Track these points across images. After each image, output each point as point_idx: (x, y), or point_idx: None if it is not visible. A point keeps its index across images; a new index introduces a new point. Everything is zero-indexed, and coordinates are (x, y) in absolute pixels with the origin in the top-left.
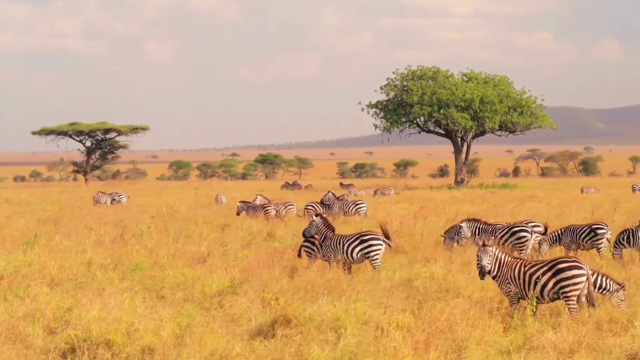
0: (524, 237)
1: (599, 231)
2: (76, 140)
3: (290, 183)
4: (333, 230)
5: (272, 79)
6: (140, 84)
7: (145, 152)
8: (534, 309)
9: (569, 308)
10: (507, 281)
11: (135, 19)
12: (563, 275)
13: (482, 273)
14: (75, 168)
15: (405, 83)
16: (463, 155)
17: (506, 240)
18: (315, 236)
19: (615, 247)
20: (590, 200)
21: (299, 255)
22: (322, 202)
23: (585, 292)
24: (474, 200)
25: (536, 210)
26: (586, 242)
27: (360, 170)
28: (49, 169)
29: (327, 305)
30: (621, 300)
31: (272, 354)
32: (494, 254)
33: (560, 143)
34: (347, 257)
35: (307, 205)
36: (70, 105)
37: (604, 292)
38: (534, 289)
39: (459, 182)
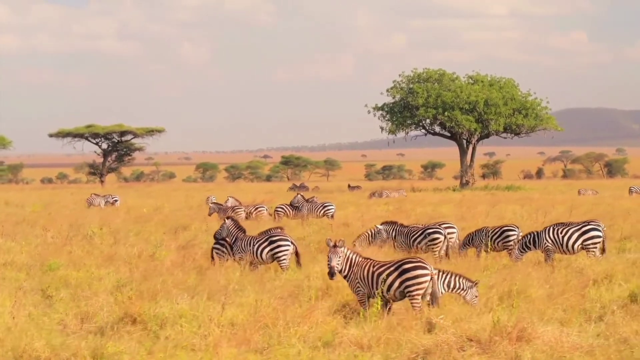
0: (437, 238)
1: (510, 233)
2: (92, 143)
3: (298, 185)
4: (244, 232)
5: (307, 79)
6: (174, 84)
7: (178, 153)
8: (379, 307)
9: (413, 306)
10: (357, 280)
11: (170, 20)
12: (408, 275)
13: (332, 273)
14: (92, 170)
15: (411, 85)
16: (468, 158)
17: (420, 242)
18: (226, 238)
19: (521, 249)
20: (570, 202)
21: (212, 257)
22: (291, 204)
23: (430, 291)
24: (460, 202)
25: (505, 211)
26: (497, 244)
27: (387, 172)
28: (75, 171)
29: (182, 304)
30: (475, 296)
31: (70, 350)
32: (345, 254)
33: (593, 144)
34: (257, 258)
35: (277, 207)
36: (104, 106)
37: (459, 290)
38: (381, 288)
39: (464, 184)
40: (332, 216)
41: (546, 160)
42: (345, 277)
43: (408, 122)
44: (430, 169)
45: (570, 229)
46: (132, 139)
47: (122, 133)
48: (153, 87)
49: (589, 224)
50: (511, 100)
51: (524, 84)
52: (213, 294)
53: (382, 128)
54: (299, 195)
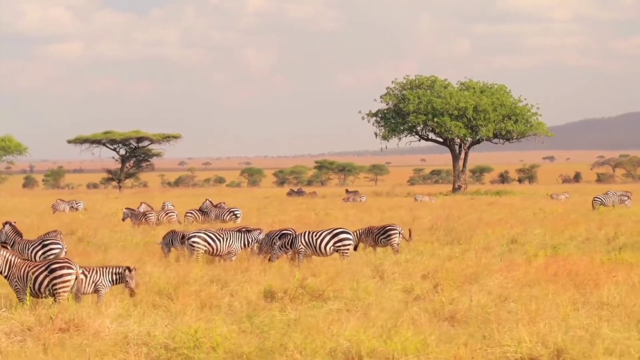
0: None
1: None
2: (110, 149)
3: (295, 190)
4: (21, 237)
5: (368, 85)
6: (238, 91)
7: (240, 158)
8: (28, 302)
9: (58, 301)
10: (16, 279)
11: (233, 27)
12: (55, 274)
13: None
14: (110, 176)
15: (403, 92)
16: (460, 163)
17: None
18: (5, 242)
19: (279, 249)
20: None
21: None
22: (200, 210)
23: (76, 288)
24: (415, 207)
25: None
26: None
27: (436, 176)
28: None
29: None
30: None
31: None
32: (5, 257)
33: None
34: (32, 259)
35: (187, 212)
36: (165, 113)
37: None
38: (34, 286)
39: (456, 189)
40: (239, 221)
41: (594, 164)
42: (5, 277)
43: (401, 128)
44: (478, 173)
45: (323, 232)
46: (148, 145)
47: (139, 139)
48: (216, 94)
49: (339, 229)
50: (501, 107)
51: (586, 88)
52: None
53: (375, 134)
54: (207, 201)
